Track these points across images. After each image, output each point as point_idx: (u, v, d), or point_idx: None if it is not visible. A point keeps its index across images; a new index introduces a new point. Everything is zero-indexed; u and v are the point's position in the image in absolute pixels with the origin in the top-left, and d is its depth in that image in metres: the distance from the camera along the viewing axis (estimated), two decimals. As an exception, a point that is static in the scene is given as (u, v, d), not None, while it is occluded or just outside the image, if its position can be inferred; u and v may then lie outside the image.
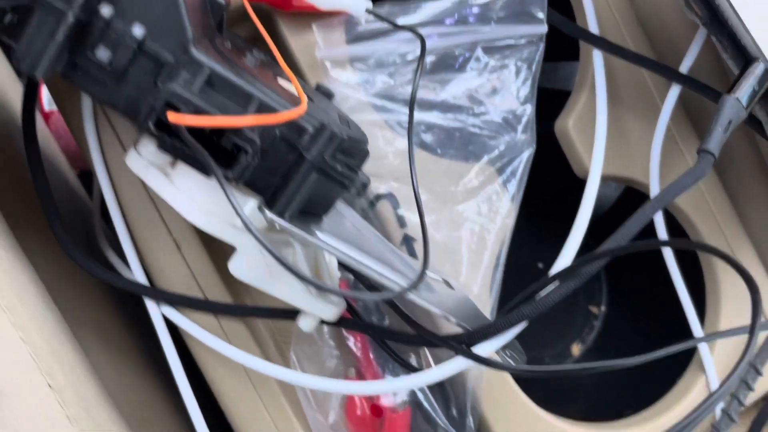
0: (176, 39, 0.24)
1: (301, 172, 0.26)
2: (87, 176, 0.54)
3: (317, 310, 0.32)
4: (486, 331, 0.28)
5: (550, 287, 0.28)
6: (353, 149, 0.28)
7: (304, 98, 0.26)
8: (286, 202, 0.26)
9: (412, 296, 0.28)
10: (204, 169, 0.25)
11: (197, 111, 0.23)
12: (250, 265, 0.30)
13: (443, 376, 0.30)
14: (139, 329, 0.43)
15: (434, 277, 0.34)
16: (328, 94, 0.35)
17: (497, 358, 0.32)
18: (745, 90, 0.29)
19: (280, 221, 0.26)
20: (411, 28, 0.32)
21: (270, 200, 0.27)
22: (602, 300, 0.53)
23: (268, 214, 0.26)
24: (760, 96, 0.30)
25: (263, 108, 0.25)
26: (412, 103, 0.29)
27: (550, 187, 0.47)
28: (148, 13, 0.23)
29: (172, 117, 0.22)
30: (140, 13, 0.23)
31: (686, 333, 0.43)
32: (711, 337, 0.37)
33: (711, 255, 0.26)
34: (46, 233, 0.36)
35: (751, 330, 0.21)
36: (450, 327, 0.35)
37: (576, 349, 0.54)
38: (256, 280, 0.30)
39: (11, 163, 0.38)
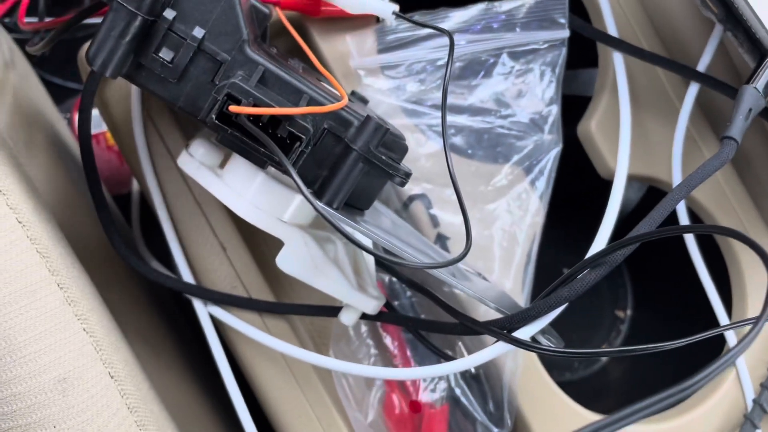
0: (233, 40, 0.26)
1: (348, 162, 0.27)
2: (120, 200, 0.56)
3: (358, 303, 0.33)
4: (525, 315, 0.29)
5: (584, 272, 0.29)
6: (394, 144, 0.30)
7: (345, 93, 0.28)
8: (334, 191, 0.28)
9: (451, 279, 0.30)
10: (260, 161, 0.27)
11: (255, 103, 0.25)
12: (297, 259, 0.31)
13: (483, 360, 0.31)
14: (177, 331, 0.44)
15: (469, 270, 0.35)
16: (363, 101, 0.36)
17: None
18: (763, 80, 0.31)
19: (328, 210, 0.28)
20: (436, 26, 0.34)
21: (318, 191, 0.28)
22: (628, 304, 0.54)
23: (318, 203, 0.28)
24: (778, 85, 0.31)
25: (312, 102, 0.26)
26: (444, 96, 0.31)
27: (572, 192, 0.48)
28: (206, 16, 0.25)
29: (235, 108, 0.24)
30: (200, 16, 0.25)
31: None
32: (737, 323, 0.38)
33: (732, 239, 0.27)
34: (87, 239, 0.38)
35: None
36: (486, 316, 0.36)
37: (604, 354, 0.55)
38: (301, 273, 0.31)
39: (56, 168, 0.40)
